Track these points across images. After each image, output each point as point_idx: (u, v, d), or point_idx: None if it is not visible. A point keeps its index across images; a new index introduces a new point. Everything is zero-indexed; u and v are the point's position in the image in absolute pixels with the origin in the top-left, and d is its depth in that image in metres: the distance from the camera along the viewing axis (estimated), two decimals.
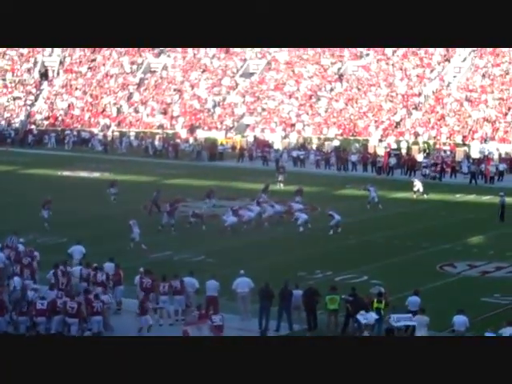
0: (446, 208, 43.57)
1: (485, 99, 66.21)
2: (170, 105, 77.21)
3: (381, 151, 60.46)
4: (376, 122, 67.90)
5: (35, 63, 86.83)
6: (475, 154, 58.90)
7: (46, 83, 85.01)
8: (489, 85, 67.80)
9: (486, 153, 58.47)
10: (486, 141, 61.94)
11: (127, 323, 23.41)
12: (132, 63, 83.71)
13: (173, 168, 59.22)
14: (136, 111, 78.06)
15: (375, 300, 22.86)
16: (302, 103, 72.62)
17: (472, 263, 31.25)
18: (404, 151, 60.83)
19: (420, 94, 69.29)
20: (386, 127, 67.02)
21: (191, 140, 70.15)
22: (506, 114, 64.36)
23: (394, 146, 62.39)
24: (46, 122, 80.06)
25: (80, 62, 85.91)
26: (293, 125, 70.52)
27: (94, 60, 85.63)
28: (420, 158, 58.27)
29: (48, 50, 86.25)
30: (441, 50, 72.32)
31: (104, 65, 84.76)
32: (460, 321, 21.55)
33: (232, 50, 79.82)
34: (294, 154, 61.80)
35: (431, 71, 71.55)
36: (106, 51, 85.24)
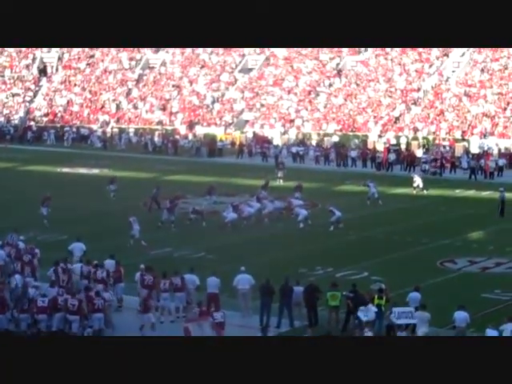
0: (445, 203, 43.56)
1: (484, 94, 66.17)
2: (168, 101, 77.16)
3: (380, 147, 60.42)
4: (375, 117, 67.88)
5: (34, 59, 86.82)
6: (475, 150, 58.82)
7: (44, 79, 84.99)
8: (488, 80, 67.75)
9: (486, 148, 58.44)
10: (485, 136, 61.92)
11: (128, 320, 23.43)
12: (130, 59, 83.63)
13: (172, 164, 59.19)
14: (135, 107, 78.02)
15: (376, 296, 22.92)
16: (301, 99, 72.57)
17: (472, 259, 31.28)
18: (403, 147, 60.69)
19: (419, 89, 69.25)
20: (386, 123, 66.99)
21: (190, 136, 70.14)
22: (505, 109, 64.31)
23: (394, 141, 62.36)
24: (45, 119, 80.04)
25: (78, 58, 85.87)
26: (292, 120, 70.47)
27: (92, 56, 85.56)
28: (419, 153, 58.21)
29: None
30: None
31: (102, 61, 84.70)
32: (461, 317, 21.56)
33: None
34: (294, 149, 61.80)
35: (430, 66, 71.50)
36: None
